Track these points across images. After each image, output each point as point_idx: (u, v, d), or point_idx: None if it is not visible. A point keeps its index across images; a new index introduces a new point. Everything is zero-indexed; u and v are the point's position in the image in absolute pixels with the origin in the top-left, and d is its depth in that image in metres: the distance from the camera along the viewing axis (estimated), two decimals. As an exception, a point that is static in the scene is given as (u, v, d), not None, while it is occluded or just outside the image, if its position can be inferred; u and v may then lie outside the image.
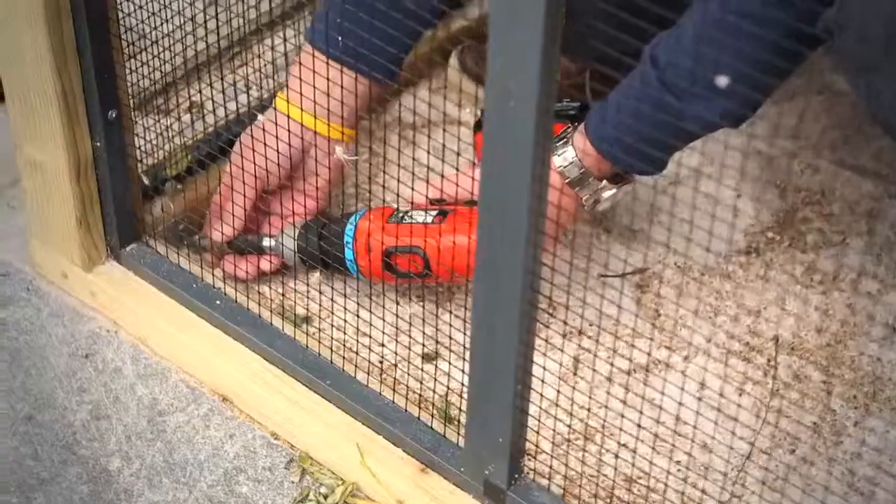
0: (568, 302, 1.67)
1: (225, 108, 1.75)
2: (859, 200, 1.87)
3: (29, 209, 1.70)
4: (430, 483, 1.51)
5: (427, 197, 1.66)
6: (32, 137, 1.61)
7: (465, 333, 1.55)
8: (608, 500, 1.52)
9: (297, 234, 1.68)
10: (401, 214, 1.63)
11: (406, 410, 1.54)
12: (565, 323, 1.67)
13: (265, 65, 1.84)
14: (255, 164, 1.64)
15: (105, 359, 1.68)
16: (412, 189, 1.66)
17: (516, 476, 1.45)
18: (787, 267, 1.79)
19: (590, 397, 1.55)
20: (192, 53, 1.74)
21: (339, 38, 1.59)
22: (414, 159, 1.72)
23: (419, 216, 1.62)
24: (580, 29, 1.35)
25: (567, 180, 1.60)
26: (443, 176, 1.64)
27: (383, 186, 1.54)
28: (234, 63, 1.87)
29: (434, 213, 1.62)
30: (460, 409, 1.54)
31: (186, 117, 1.78)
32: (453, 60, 2.01)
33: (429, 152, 1.58)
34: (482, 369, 1.36)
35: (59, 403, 1.63)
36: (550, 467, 1.49)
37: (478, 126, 1.78)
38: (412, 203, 1.66)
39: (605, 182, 1.61)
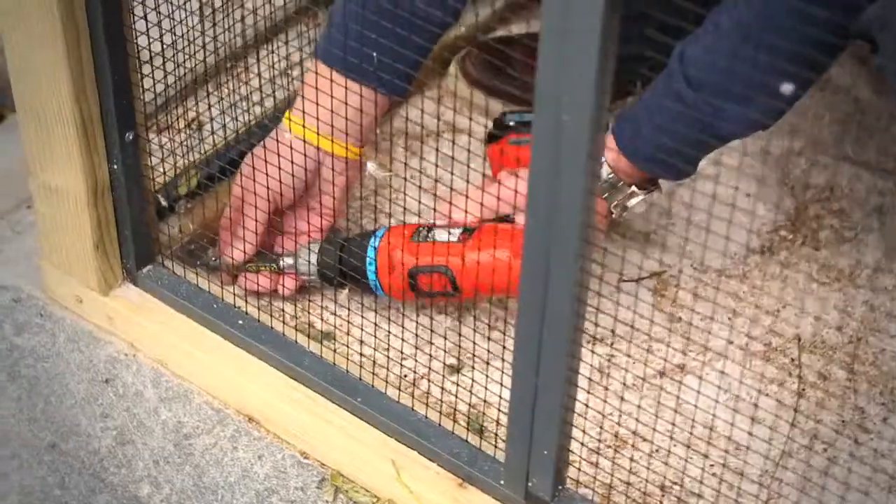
0: (588, 309, 1.66)
1: (225, 125, 1.74)
2: (868, 196, 1.88)
3: (42, 235, 1.67)
4: (468, 497, 1.50)
5: (446, 215, 1.65)
6: (48, 163, 1.58)
7: (488, 343, 1.55)
8: (647, 508, 1.52)
9: (316, 253, 1.66)
10: (424, 233, 1.61)
11: (440, 425, 1.53)
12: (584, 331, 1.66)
13: (267, 78, 1.82)
14: (266, 185, 1.62)
15: (125, 383, 1.65)
16: (434, 210, 1.65)
17: (559, 488, 1.44)
18: (802, 265, 1.79)
19: (624, 399, 1.54)
20: (198, 68, 1.71)
21: (347, 54, 1.57)
22: (423, 173, 1.70)
23: (443, 234, 1.61)
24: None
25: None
26: (457, 191, 1.63)
27: (400, 204, 1.53)
28: (235, 76, 1.85)
29: (458, 230, 1.60)
30: (497, 422, 1.52)
31: (194, 133, 1.76)
32: (453, 69, 2.00)
33: (437, 165, 1.56)
34: (527, 382, 1.35)
35: (82, 430, 1.61)
36: (595, 477, 1.49)
37: (490, 138, 1.77)
38: (434, 221, 1.65)
39: (633, 188, 1.61)
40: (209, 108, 1.72)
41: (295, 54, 1.79)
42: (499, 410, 1.50)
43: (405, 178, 1.64)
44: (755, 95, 1.46)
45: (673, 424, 1.45)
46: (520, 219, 1.59)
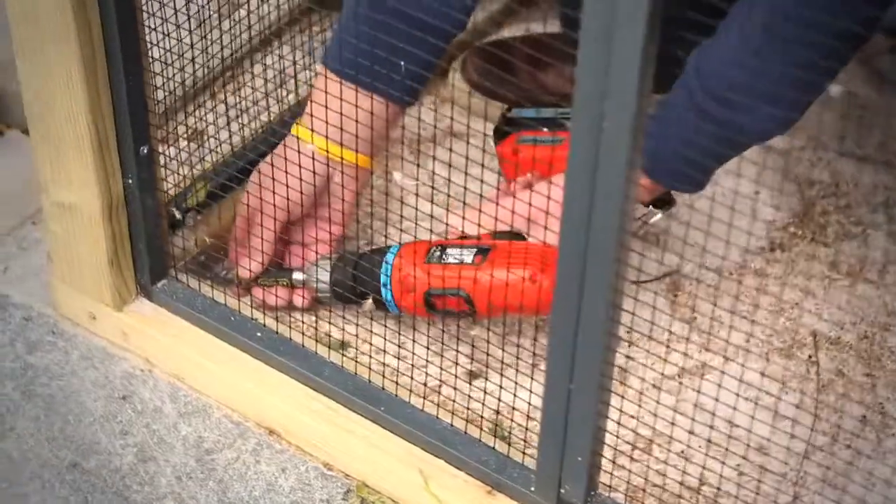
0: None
1: (231, 135, 1.73)
2: (873, 190, 1.89)
3: (54, 252, 1.66)
4: (498, 505, 1.50)
5: (460, 229, 1.64)
6: (61, 180, 1.57)
7: (503, 349, 1.55)
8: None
9: (330, 270, 1.65)
10: (437, 253, 1.60)
11: (466, 432, 1.52)
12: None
13: (274, 85, 1.81)
14: (279, 197, 1.61)
15: (143, 399, 1.64)
16: (447, 224, 1.64)
17: (592, 493, 1.43)
18: (812, 261, 1.80)
19: (644, 401, 1.54)
20: (207, 77, 1.70)
21: (355, 63, 1.56)
22: (435, 188, 1.70)
23: (457, 255, 1.59)
24: None
25: None
26: (470, 205, 1.62)
27: (410, 219, 1.53)
28: (243, 84, 1.84)
29: (472, 251, 1.60)
30: (526, 428, 1.52)
31: (201, 144, 1.74)
32: (454, 73, 1.99)
33: (449, 177, 1.55)
34: (560, 389, 1.35)
35: (102, 448, 1.59)
36: (628, 481, 1.49)
37: (498, 135, 1.75)
38: (447, 236, 1.64)
39: (650, 208, 1.61)
40: (216, 118, 1.71)
41: (297, 61, 1.78)
42: (528, 416, 1.49)
43: (416, 182, 1.64)
44: (784, 97, 1.46)
45: (693, 423, 1.45)
46: (536, 233, 1.57)
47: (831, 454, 1.56)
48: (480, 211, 1.59)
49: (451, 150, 1.43)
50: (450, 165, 1.44)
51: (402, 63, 1.52)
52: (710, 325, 1.72)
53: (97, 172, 1.53)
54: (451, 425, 1.53)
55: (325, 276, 1.66)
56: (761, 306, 1.74)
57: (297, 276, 1.67)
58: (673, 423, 1.49)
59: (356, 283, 1.64)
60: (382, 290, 1.61)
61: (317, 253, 1.68)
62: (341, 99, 1.53)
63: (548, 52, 1.95)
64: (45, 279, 1.76)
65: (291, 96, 1.81)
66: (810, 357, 1.68)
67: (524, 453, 1.50)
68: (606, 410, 1.36)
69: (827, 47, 1.43)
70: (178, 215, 1.66)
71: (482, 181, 1.45)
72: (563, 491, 1.43)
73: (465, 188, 1.43)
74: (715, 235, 1.33)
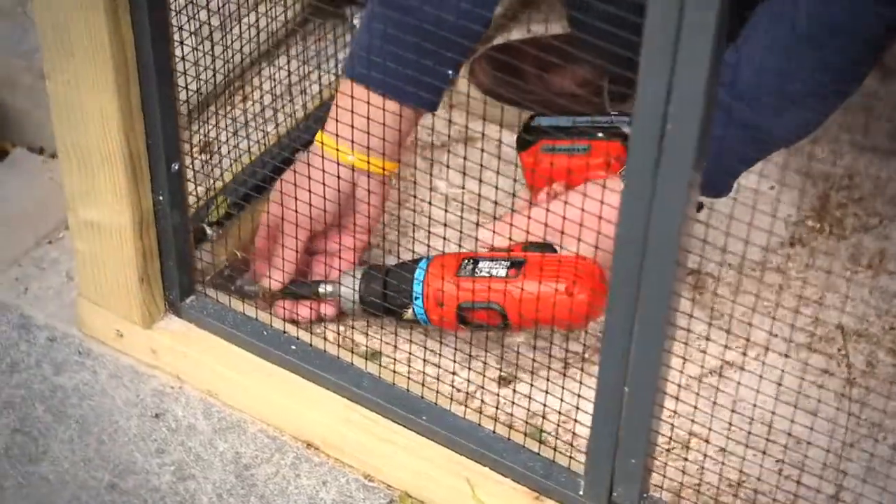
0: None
1: (249, 148, 1.72)
2: (886, 181, 1.90)
3: (81, 271, 1.64)
4: (546, 510, 1.49)
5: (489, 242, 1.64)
6: (91, 199, 1.55)
7: (533, 356, 1.55)
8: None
9: (358, 283, 1.64)
10: (469, 266, 1.60)
11: (509, 439, 1.52)
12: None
13: (289, 96, 1.80)
14: (304, 210, 1.60)
15: (176, 416, 1.63)
16: (476, 239, 1.63)
17: (644, 496, 1.43)
18: (832, 255, 1.80)
19: (679, 400, 1.54)
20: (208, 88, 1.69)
21: (377, 70, 1.55)
22: (459, 200, 1.69)
23: (489, 268, 1.59)
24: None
25: None
26: (500, 219, 1.61)
27: (434, 232, 1.52)
28: (261, 96, 1.83)
29: (505, 263, 1.59)
30: (573, 432, 1.52)
31: (222, 158, 1.73)
32: (462, 80, 1.98)
33: (473, 192, 1.55)
34: (615, 392, 1.35)
35: (139, 468, 1.58)
36: (683, 483, 1.48)
37: (521, 143, 1.76)
38: (476, 249, 1.63)
39: None
40: (236, 131, 1.70)
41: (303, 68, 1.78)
42: (575, 420, 1.49)
43: (462, 189, 1.63)
44: (812, 100, 1.47)
45: (731, 420, 1.45)
46: (568, 244, 1.57)
47: (869, 446, 1.57)
48: (511, 224, 1.59)
49: (465, 157, 1.42)
50: (464, 174, 1.44)
51: (431, 65, 1.51)
52: (736, 322, 1.72)
53: (129, 189, 1.52)
54: (494, 432, 1.53)
55: (353, 289, 1.65)
56: (785, 301, 1.75)
57: (323, 288, 1.66)
58: (712, 418, 1.50)
59: (385, 295, 1.63)
60: (414, 303, 1.61)
61: (341, 262, 1.67)
62: (369, 105, 1.52)
63: (556, 53, 1.95)
64: (66, 299, 1.75)
65: (308, 104, 1.80)
66: (839, 350, 1.69)
67: (570, 457, 1.49)
68: (661, 412, 1.36)
69: (854, 51, 1.44)
70: (209, 231, 1.64)
71: (496, 187, 1.44)
72: (615, 494, 1.43)
73: (496, 202, 1.43)
74: (734, 235, 1.34)
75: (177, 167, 1.54)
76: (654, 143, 1.16)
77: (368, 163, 1.62)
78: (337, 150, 1.60)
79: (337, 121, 1.56)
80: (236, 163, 1.71)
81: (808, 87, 1.47)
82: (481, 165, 1.41)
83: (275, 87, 1.80)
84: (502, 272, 1.57)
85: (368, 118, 1.52)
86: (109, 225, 1.56)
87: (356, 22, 1.98)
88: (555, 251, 1.59)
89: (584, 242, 1.42)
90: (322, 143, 1.63)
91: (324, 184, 1.58)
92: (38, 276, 1.78)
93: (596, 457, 1.42)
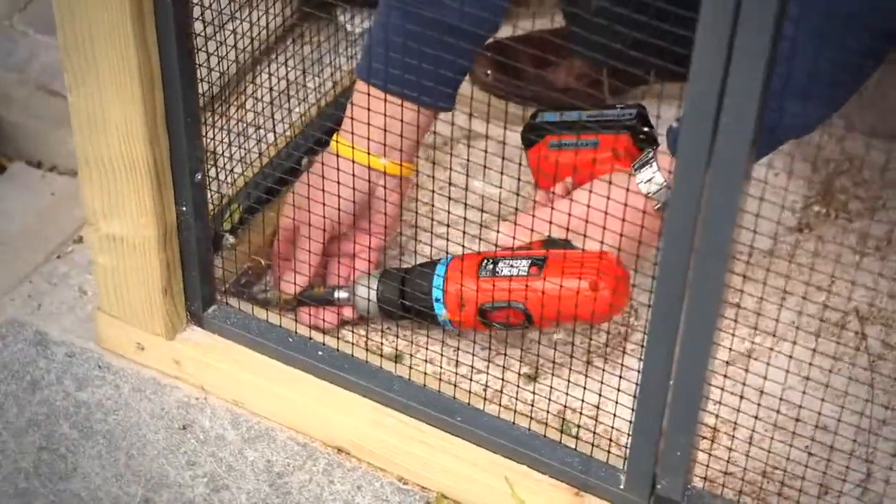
0: (641, 302, 1.68)
1: (260, 153, 1.71)
2: (886, 164, 1.92)
3: (101, 285, 1.62)
4: (587, 506, 1.50)
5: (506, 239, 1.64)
6: (114, 213, 1.54)
7: (554, 349, 1.55)
8: (758, 494, 1.53)
9: (377, 287, 1.64)
10: (489, 267, 1.60)
11: (545, 435, 1.52)
12: (645, 329, 1.66)
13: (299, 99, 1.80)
14: (324, 214, 1.60)
15: (204, 427, 1.62)
16: (498, 233, 1.63)
17: (688, 487, 1.44)
18: (841, 238, 1.82)
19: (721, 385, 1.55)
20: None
21: (393, 71, 1.55)
22: (468, 200, 1.69)
23: (510, 267, 1.59)
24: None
25: (656, 206, 1.60)
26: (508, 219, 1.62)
27: (449, 235, 1.52)
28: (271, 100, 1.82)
29: (525, 262, 1.59)
30: (613, 426, 1.52)
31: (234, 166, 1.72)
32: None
33: (472, 192, 1.55)
34: (659, 385, 1.35)
35: (172, 481, 1.57)
36: (727, 471, 1.49)
37: (526, 141, 1.75)
38: (496, 248, 1.63)
39: None
40: (247, 138, 1.69)
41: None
42: (615, 414, 1.49)
43: (500, 188, 1.62)
44: (819, 93, 1.48)
45: (758, 408, 1.46)
46: (587, 240, 1.57)
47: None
48: (534, 219, 1.59)
49: (467, 158, 1.43)
50: (467, 174, 1.45)
51: (442, 71, 1.51)
52: (751, 310, 1.73)
53: (154, 201, 1.51)
54: (529, 429, 1.53)
55: (371, 293, 1.64)
56: (796, 287, 1.76)
57: (340, 293, 1.66)
58: (740, 405, 1.50)
59: (405, 298, 1.63)
60: (435, 305, 1.61)
61: (360, 264, 1.66)
62: (386, 104, 1.52)
63: (553, 50, 1.95)
64: (81, 313, 1.73)
65: (312, 108, 1.80)
66: (857, 332, 1.71)
67: (609, 451, 1.50)
68: (707, 403, 1.37)
69: (861, 45, 1.45)
70: (230, 238, 1.63)
71: (499, 188, 1.45)
72: (659, 487, 1.44)
73: (517, 207, 1.43)
74: (743, 226, 1.35)
75: (199, 176, 1.53)
76: (707, 137, 1.17)
77: (388, 164, 1.61)
78: (353, 155, 1.60)
79: (352, 119, 1.57)
80: (251, 167, 1.70)
81: (813, 81, 1.48)
82: (499, 166, 1.41)
83: (271, 91, 1.79)
84: (524, 271, 1.58)
85: (385, 118, 1.51)
86: (133, 238, 1.55)
87: (348, 26, 1.98)
88: (574, 248, 1.59)
89: (606, 237, 1.43)
90: (340, 144, 1.62)
91: (343, 186, 1.57)
92: (50, 292, 1.76)
93: (638, 450, 1.43)
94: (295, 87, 1.76)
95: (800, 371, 1.52)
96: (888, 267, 1.78)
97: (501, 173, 1.42)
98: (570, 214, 1.51)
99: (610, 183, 1.46)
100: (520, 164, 1.74)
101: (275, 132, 1.72)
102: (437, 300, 1.61)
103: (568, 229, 1.53)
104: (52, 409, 1.63)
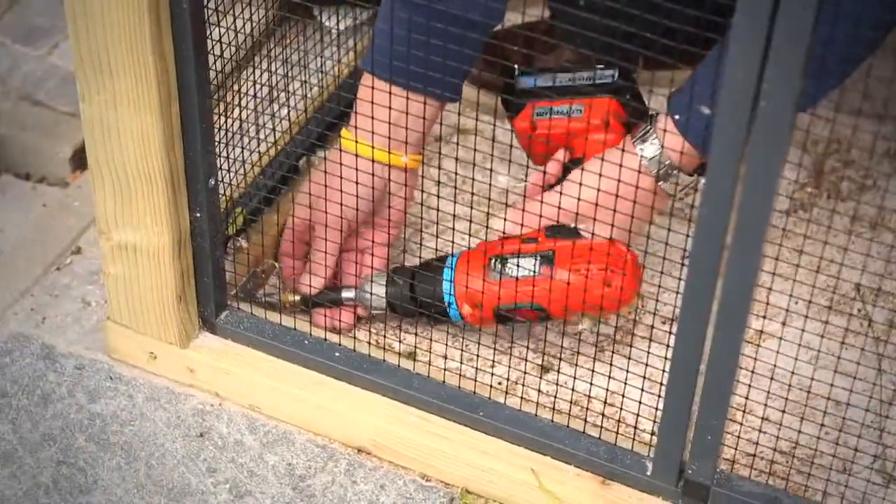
0: (650, 289, 1.69)
1: (261, 154, 1.71)
2: (873, 143, 1.94)
3: (112, 295, 1.61)
4: (615, 494, 1.51)
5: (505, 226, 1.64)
6: (127, 221, 1.53)
7: (575, 339, 1.56)
8: (785, 476, 1.55)
9: (386, 285, 1.64)
10: (498, 266, 1.60)
11: (569, 426, 1.53)
12: (654, 313, 1.68)
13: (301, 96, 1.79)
14: (347, 207, 1.60)
15: (221, 434, 1.61)
16: (505, 222, 1.63)
17: (718, 470, 1.46)
18: (835, 218, 1.84)
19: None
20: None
21: (402, 64, 1.55)
22: (473, 193, 1.69)
23: (520, 267, 1.59)
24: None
25: (655, 175, 1.60)
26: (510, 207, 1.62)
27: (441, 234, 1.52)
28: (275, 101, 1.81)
29: (534, 258, 1.60)
30: (637, 414, 1.53)
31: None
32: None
33: (477, 189, 1.56)
34: (689, 371, 1.37)
35: (194, 489, 1.56)
36: (755, 455, 1.50)
37: (511, 108, 1.72)
38: (500, 238, 1.63)
39: (698, 176, 1.62)
40: (251, 140, 1.68)
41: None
42: (640, 402, 1.50)
43: (525, 182, 1.62)
44: (818, 74, 1.49)
45: (769, 389, 1.48)
46: (590, 227, 1.58)
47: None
48: (542, 210, 1.60)
49: (454, 154, 1.43)
50: (468, 166, 1.45)
51: (450, 62, 1.51)
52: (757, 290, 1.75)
53: (168, 209, 1.50)
54: (552, 420, 1.54)
55: (380, 292, 1.64)
56: (799, 267, 1.78)
57: (347, 294, 1.66)
58: (749, 387, 1.52)
59: (414, 298, 1.63)
60: (449, 307, 1.61)
61: (373, 258, 1.66)
62: (391, 98, 1.52)
63: (539, 43, 1.95)
64: (86, 325, 1.72)
65: (309, 106, 1.80)
66: (860, 310, 1.73)
67: (634, 439, 1.51)
68: (737, 387, 1.38)
69: (874, 17, 1.46)
70: (243, 243, 1.63)
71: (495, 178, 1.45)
72: (689, 472, 1.45)
73: (525, 180, 1.43)
74: None
75: (213, 182, 1.52)
76: (745, 118, 1.18)
77: (400, 156, 1.61)
78: (363, 144, 1.60)
79: (357, 114, 1.56)
80: (255, 167, 1.70)
81: (839, 55, 1.49)
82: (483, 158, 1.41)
83: (259, 91, 1.78)
84: (535, 269, 1.57)
85: (390, 112, 1.51)
86: (147, 246, 1.54)
87: (327, 23, 1.98)
88: (578, 235, 1.59)
89: (623, 213, 1.44)
90: (351, 140, 1.61)
91: (362, 185, 1.57)
92: (53, 304, 1.75)
93: (666, 436, 1.44)
94: (290, 85, 1.76)
95: (806, 351, 1.54)
96: (884, 244, 1.80)
97: (491, 169, 1.42)
98: (578, 199, 1.52)
99: (619, 165, 1.45)
100: (519, 165, 1.74)
101: (275, 132, 1.71)
102: (450, 304, 1.61)
103: (578, 213, 1.54)
104: (67, 422, 1.62)
